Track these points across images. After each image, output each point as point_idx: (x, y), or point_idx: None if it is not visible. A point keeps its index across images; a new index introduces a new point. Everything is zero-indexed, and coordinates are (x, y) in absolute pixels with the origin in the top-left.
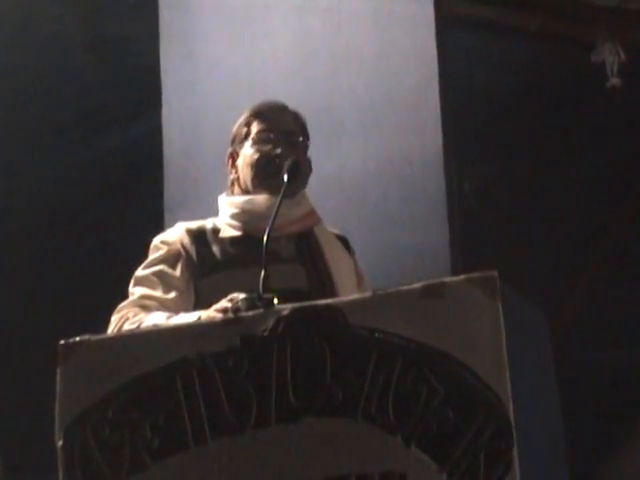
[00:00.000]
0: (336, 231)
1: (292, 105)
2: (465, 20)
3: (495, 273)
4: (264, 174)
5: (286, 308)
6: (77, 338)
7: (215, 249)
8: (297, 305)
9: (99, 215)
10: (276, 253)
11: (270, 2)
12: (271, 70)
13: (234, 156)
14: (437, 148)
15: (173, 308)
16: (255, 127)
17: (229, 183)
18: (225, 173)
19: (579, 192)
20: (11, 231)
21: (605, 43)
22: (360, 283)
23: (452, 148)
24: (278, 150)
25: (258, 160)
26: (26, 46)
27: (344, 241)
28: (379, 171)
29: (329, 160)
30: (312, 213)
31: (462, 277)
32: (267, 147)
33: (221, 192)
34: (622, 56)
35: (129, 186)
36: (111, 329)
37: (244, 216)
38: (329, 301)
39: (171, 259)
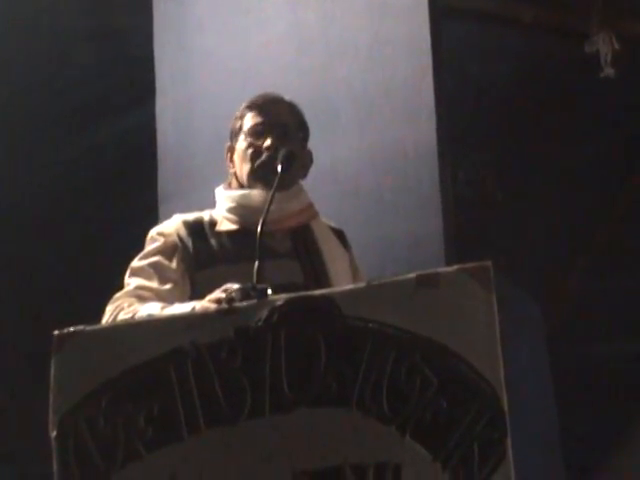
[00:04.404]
0: (332, 224)
1: (286, 96)
2: (459, 11)
3: (489, 263)
4: (256, 167)
5: (280, 299)
6: (71, 328)
7: (212, 242)
8: (291, 295)
9: (93, 206)
10: (272, 248)
11: None
12: (265, 61)
13: (231, 150)
14: (431, 138)
15: (169, 299)
16: (248, 120)
17: (229, 176)
18: (219, 164)
19: (573, 183)
20: (3, 222)
21: (599, 33)
22: (355, 277)
23: (446, 138)
24: (269, 142)
25: (250, 153)
26: (20, 38)
27: (341, 235)
28: (373, 161)
29: (323, 151)
30: (309, 207)
31: (456, 267)
32: (259, 140)
33: (215, 183)
34: (616, 46)
35: (123, 177)
36: (106, 319)
37: (240, 210)
38: (323, 291)
39: (167, 251)
